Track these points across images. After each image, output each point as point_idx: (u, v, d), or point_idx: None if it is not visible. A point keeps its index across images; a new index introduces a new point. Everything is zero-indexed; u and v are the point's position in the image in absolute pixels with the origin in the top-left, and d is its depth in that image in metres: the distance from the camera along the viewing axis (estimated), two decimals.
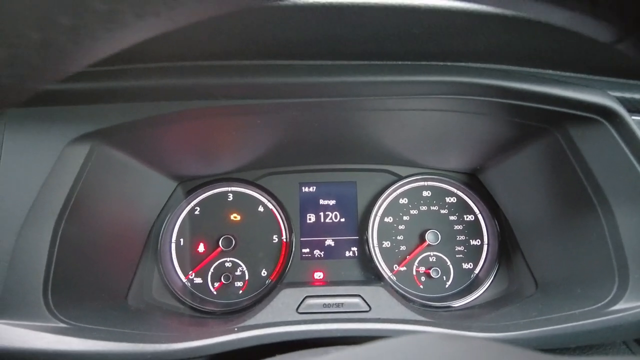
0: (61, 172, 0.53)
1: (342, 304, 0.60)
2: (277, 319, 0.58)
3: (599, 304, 0.48)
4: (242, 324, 0.55)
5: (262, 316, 0.59)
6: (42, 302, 0.51)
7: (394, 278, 0.72)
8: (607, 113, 0.53)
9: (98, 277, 0.61)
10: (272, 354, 0.42)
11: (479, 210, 0.74)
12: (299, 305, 0.60)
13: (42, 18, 0.19)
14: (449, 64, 0.53)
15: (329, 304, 0.60)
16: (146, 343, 0.51)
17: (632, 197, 0.50)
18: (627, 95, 0.54)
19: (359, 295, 0.61)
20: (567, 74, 0.57)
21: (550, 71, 0.54)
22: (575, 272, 0.58)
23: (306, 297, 0.61)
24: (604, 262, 0.52)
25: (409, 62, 0.53)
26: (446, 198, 0.75)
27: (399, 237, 0.74)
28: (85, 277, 0.58)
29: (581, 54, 0.49)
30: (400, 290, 0.70)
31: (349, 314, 0.58)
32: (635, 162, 0.50)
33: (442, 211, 0.75)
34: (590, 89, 0.53)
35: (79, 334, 0.49)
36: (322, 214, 0.77)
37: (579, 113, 0.53)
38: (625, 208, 0.50)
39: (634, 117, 0.53)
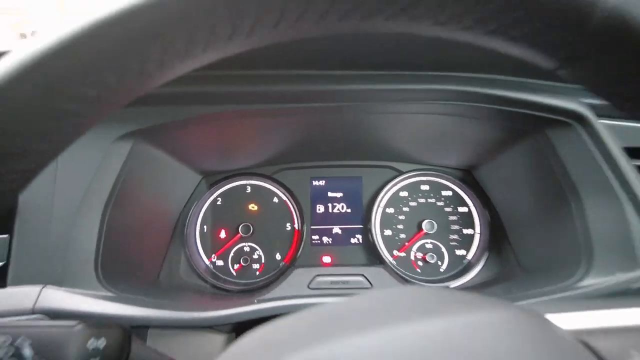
0: (107, 165, 0.60)
1: (347, 281, 0.68)
2: (291, 294, 0.65)
3: (569, 281, 0.55)
4: (260, 298, 0.63)
5: (277, 291, 0.67)
6: (94, 275, 0.57)
7: (394, 262, 0.78)
8: (578, 117, 0.59)
9: (136, 258, 0.69)
10: None
11: (472, 203, 0.80)
12: (310, 283, 0.68)
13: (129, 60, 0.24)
14: (443, 73, 0.59)
15: (336, 281, 0.68)
16: (180, 311, 0.59)
17: (598, 191, 0.56)
18: (596, 101, 0.59)
19: (363, 275, 0.69)
20: (547, 82, 0.63)
21: (532, 80, 0.61)
22: (553, 256, 0.64)
23: (316, 275, 0.69)
24: (575, 247, 0.59)
25: (409, 72, 0.60)
26: (442, 192, 0.81)
27: (399, 226, 0.80)
28: (126, 257, 0.65)
29: None
30: (400, 273, 0.76)
31: (353, 290, 0.66)
32: (601, 161, 0.57)
33: (439, 203, 0.81)
34: (565, 96, 0.59)
35: (124, 301, 0.56)
36: (330, 205, 0.83)
37: (555, 117, 0.60)
38: (592, 200, 0.57)
39: (601, 121, 0.59)
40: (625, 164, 0.56)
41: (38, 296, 0.52)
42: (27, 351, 0.37)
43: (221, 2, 0.23)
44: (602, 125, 0.58)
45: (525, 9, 0.25)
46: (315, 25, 0.26)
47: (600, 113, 0.59)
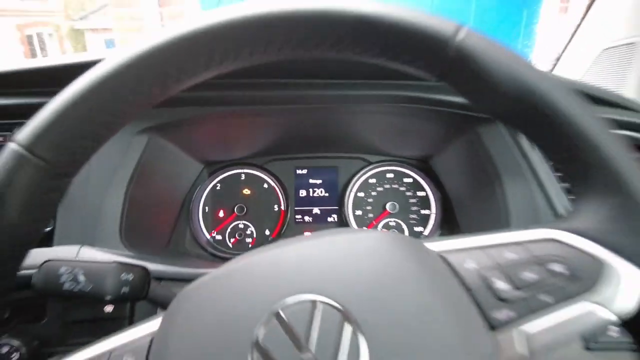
0: (130, 154, 0.72)
1: None
2: None
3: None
4: None
5: None
6: (118, 238, 0.68)
7: None
8: None
9: (150, 229, 0.79)
10: None
11: (429, 188, 0.93)
12: None
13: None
14: (390, 82, 0.72)
15: None
16: (185, 268, 0.73)
17: (514, 175, 0.69)
18: None
19: None
20: None
21: None
22: (485, 228, 0.79)
23: None
24: (499, 219, 0.71)
25: (364, 81, 0.72)
26: (404, 179, 0.94)
27: (367, 208, 0.94)
28: (143, 227, 0.75)
29: None
30: None
31: None
32: (515, 151, 0.71)
33: (401, 188, 0.94)
34: None
35: (142, 259, 0.66)
36: (311, 190, 0.95)
37: (483, 116, 0.74)
38: (510, 182, 0.70)
39: None
40: (532, 153, 0.70)
41: (77, 253, 0.67)
42: (81, 277, 0.52)
43: (204, 47, 0.37)
44: None
45: (401, 48, 0.39)
46: (277, 54, 0.41)
47: None
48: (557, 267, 0.32)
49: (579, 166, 0.34)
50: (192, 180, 0.92)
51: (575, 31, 0.90)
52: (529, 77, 0.34)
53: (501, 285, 0.31)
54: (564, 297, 0.31)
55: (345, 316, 0.28)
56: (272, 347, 0.28)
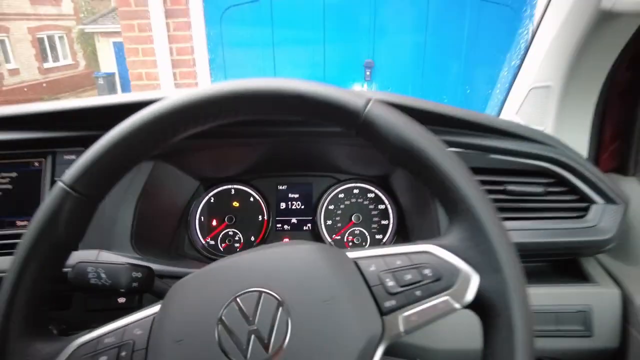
0: (139, 176, 0.82)
1: None
2: None
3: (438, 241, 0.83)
4: None
5: None
6: (129, 244, 0.80)
7: (332, 242, 1.04)
8: None
9: (155, 236, 0.89)
10: None
11: (387, 202, 1.05)
12: None
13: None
14: None
15: None
16: (183, 268, 0.79)
17: None
18: (445, 137, 0.83)
19: None
20: None
21: None
22: (425, 237, 0.95)
23: None
24: (432, 231, 0.84)
25: None
26: (367, 194, 1.07)
27: (336, 218, 1.06)
28: (149, 235, 0.85)
29: None
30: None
31: None
32: None
33: (365, 202, 1.06)
34: None
35: (148, 260, 0.77)
36: (290, 203, 1.08)
37: None
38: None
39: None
40: None
41: (97, 255, 0.78)
42: (103, 275, 0.68)
43: (203, 110, 0.52)
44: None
45: (331, 115, 0.56)
46: (253, 116, 0.57)
47: (450, 144, 0.81)
48: (427, 271, 0.47)
49: (447, 200, 0.51)
50: (190, 194, 1.03)
51: (518, 71, 1.06)
52: (411, 136, 0.50)
53: (390, 283, 0.45)
54: (430, 293, 0.45)
55: (280, 303, 0.42)
56: (230, 321, 0.42)
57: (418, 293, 0.46)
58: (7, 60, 16.17)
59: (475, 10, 4.02)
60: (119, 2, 3.96)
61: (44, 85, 17.29)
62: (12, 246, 0.81)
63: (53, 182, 0.84)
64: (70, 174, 0.49)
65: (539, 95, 0.97)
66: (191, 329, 0.44)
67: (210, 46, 4.14)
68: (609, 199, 0.78)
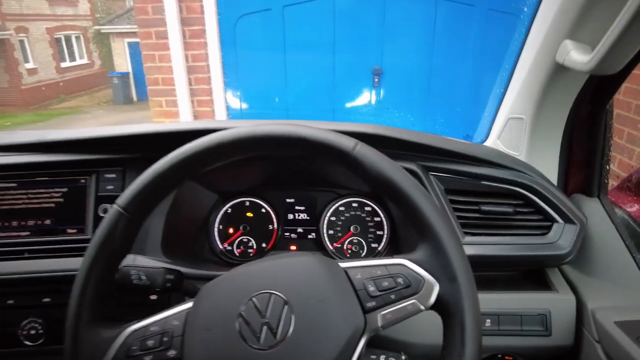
0: None
1: None
2: None
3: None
4: None
5: None
6: (160, 250, 0.89)
7: (334, 250, 1.14)
8: (413, 173, 0.90)
9: (181, 243, 0.98)
10: None
11: (382, 215, 1.15)
12: None
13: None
14: None
15: None
16: (206, 270, 0.89)
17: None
18: (429, 163, 0.92)
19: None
20: (395, 151, 0.95)
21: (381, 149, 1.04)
22: (410, 244, 1.03)
23: None
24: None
25: None
26: (365, 207, 1.16)
27: (337, 229, 1.16)
28: (176, 242, 0.94)
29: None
30: (335, 257, 1.11)
31: None
32: None
33: (362, 215, 1.16)
34: (407, 161, 0.92)
35: (177, 264, 0.86)
36: (296, 214, 1.18)
37: None
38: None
39: (431, 174, 0.92)
40: (442, 199, 0.91)
41: (134, 260, 0.94)
42: (143, 277, 0.81)
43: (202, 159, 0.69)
44: (431, 176, 0.95)
45: (327, 154, 0.71)
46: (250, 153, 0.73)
47: (430, 169, 0.93)
48: (400, 280, 0.62)
49: (416, 223, 0.66)
50: (210, 206, 1.12)
51: (502, 99, 1.19)
52: (389, 173, 0.64)
53: (372, 288, 0.55)
54: (402, 297, 0.56)
55: (286, 302, 0.53)
56: (247, 315, 0.53)
57: (392, 296, 0.57)
58: (26, 60, 16.58)
59: (483, 18, 4.11)
60: (137, 10, 4.14)
61: (61, 84, 17.68)
62: (66, 250, 0.98)
63: (97, 196, 0.99)
64: (124, 197, 0.63)
65: (515, 125, 1.10)
66: (217, 321, 0.54)
67: (224, 53, 4.30)
68: (568, 220, 0.91)
